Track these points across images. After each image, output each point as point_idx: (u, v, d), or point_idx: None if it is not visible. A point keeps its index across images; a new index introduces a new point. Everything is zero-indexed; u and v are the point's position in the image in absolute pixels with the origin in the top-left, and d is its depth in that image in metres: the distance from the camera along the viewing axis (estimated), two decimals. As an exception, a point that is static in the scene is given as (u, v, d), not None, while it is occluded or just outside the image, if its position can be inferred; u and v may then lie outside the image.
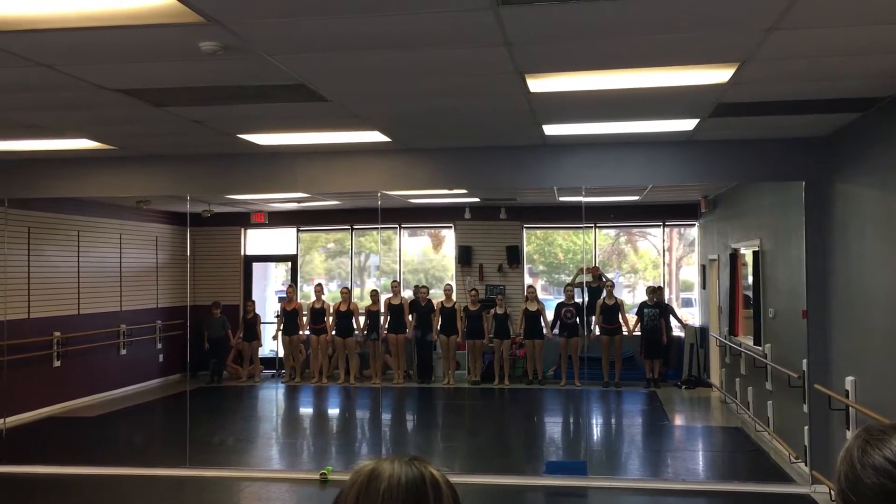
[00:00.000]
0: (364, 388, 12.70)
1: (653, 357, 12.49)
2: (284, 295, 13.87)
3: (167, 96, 5.36)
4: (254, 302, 13.80)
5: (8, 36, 3.97)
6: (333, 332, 12.87)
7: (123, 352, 12.36)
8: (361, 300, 14.07)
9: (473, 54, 4.38)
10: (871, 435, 1.06)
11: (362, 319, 13.03)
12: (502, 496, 7.15)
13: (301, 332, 13.15)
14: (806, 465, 7.17)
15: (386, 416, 11.14)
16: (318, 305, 13.06)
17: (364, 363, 13.13)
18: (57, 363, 10.87)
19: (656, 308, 12.55)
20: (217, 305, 13.35)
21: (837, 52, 4.43)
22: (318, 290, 13.32)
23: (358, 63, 4.56)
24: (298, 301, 13.50)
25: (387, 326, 12.74)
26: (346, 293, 13.07)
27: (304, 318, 13.21)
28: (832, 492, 6.62)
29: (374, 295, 13.08)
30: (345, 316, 12.87)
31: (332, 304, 13.15)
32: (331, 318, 12.97)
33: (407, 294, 13.56)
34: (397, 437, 10.02)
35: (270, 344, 13.83)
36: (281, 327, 13.24)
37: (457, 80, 5.00)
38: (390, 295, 12.97)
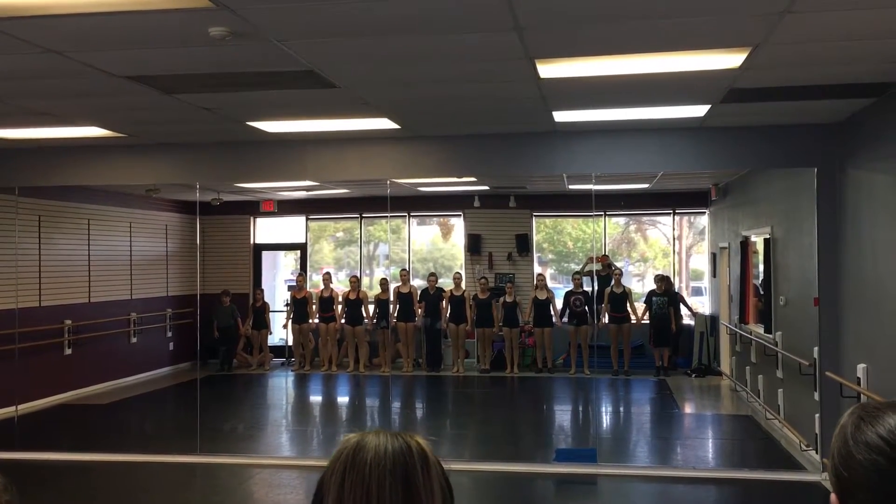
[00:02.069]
0: (374, 377, 12.72)
1: (662, 345, 12.46)
2: (294, 283, 13.87)
3: (176, 83, 5.36)
4: (262, 290, 13.83)
5: (17, 22, 3.96)
6: (343, 321, 12.89)
7: (134, 340, 12.41)
8: (371, 289, 14.07)
9: (483, 39, 4.36)
10: (865, 412, 1.08)
11: (371, 308, 13.04)
12: (512, 483, 7.16)
13: (311, 321, 13.17)
14: (817, 452, 7.15)
15: (396, 404, 11.17)
16: (326, 294, 13.08)
17: (374, 351, 13.17)
18: (68, 351, 10.93)
19: (665, 296, 12.50)
20: (226, 294, 13.39)
21: (850, 36, 4.38)
22: (327, 278, 13.33)
23: (367, 49, 4.54)
24: (308, 289, 13.51)
25: (396, 315, 12.75)
26: (355, 281, 13.09)
27: (314, 307, 13.23)
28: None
29: (384, 283, 13.09)
30: (353, 304, 12.88)
31: (340, 292, 13.16)
32: (340, 307, 12.99)
33: (418, 283, 13.56)
34: (407, 425, 10.04)
35: (280, 332, 13.86)
36: (291, 315, 13.26)
37: (466, 65, 4.98)
38: (399, 283, 12.98)
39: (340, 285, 14.14)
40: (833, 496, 1.06)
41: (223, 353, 13.35)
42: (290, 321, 13.24)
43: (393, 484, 1.01)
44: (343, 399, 12.29)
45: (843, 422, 1.09)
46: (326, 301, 13.03)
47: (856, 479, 1.01)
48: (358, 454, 1.04)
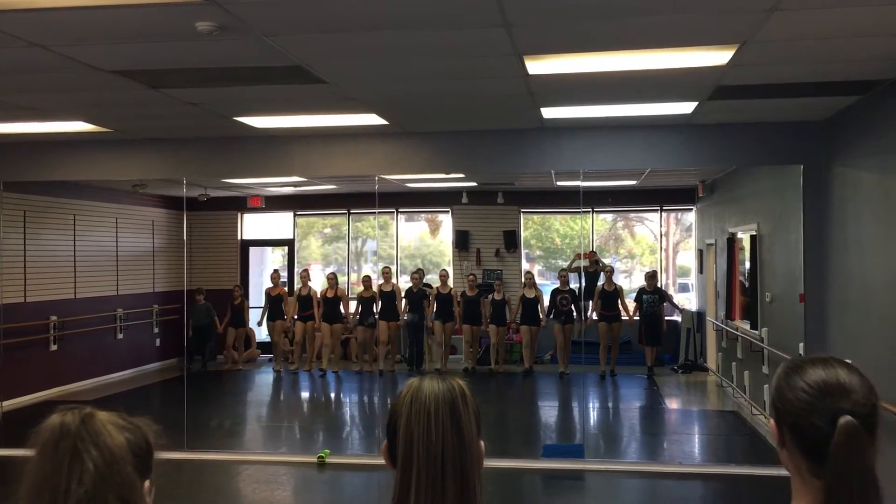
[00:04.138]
0: (356, 374, 12.63)
1: (652, 344, 12.22)
2: (283, 280, 13.74)
3: (163, 78, 5.33)
4: (240, 287, 13.52)
5: (2, 15, 3.93)
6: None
7: (120, 336, 12.35)
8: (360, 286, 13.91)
9: (472, 35, 4.36)
10: (794, 365, 1.52)
11: (352, 304, 12.85)
12: (500, 479, 7.17)
13: (286, 318, 12.96)
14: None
15: (377, 401, 11.14)
16: (304, 292, 12.80)
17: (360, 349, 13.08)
18: (54, 347, 10.86)
19: (655, 294, 12.31)
20: (200, 292, 13.11)
21: (837, 34, 4.41)
22: (305, 276, 13.01)
23: (355, 44, 4.53)
24: (282, 287, 13.24)
25: (378, 313, 12.59)
26: (333, 279, 12.78)
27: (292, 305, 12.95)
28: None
29: (367, 281, 12.87)
30: (331, 302, 12.61)
31: (319, 290, 12.95)
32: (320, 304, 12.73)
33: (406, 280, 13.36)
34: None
35: (259, 329, 13.68)
36: (265, 313, 13.02)
37: (454, 61, 4.97)
38: (382, 281, 12.81)
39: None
40: (772, 421, 1.53)
41: (201, 352, 13.13)
42: (266, 319, 13.05)
43: (444, 409, 1.47)
44: (322, 396, 12.23)
45: (778, 373, 1.53)
46: (304, 299, 12.78)
47: (787, 410, 1.47)
48: (419, 391, 1.50)
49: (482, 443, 1.52)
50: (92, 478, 1.32)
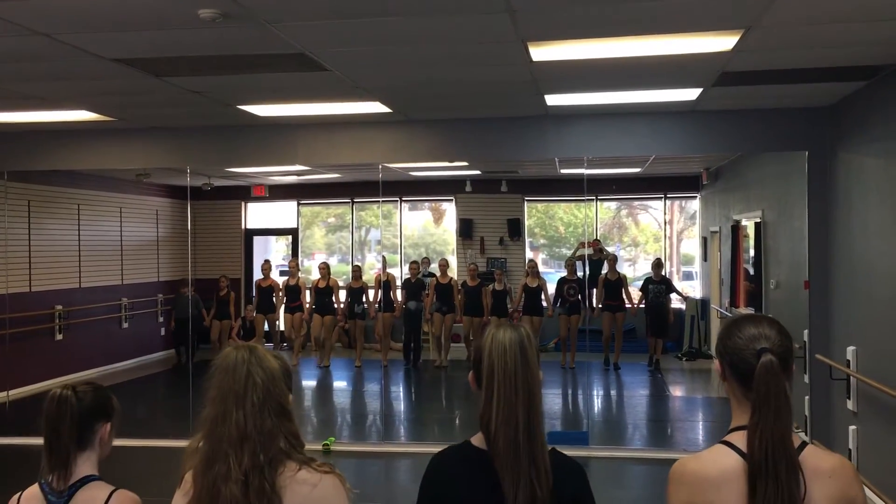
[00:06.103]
0: (350, 365, 12.55)
1: (658, 335, 11.90)
2: (287, 269, 13.60)
3: (166, 66, 5.32)
4: (226, 278, 13.15)
5: (4, 4, 3.92)
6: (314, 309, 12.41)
7: (125, 325, 12.38)
8: (365, 275, 13.80)
9: (475, 21, 4.34)
10: (734, 322, 2.03)
11: (342, 295, 12.61)
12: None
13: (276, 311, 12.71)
14: (806, 434, 7.20)
15: (374, 389, 11.11)
16: (292, 283, 12.56)
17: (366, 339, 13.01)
18: (59, 336, 10.90)
19: (662, 284, 11.96)
20: (185, 284, 12.50)
21: (842, 19, 4.38)
22: (293, 266, 12.81)
23: (357, 31, 4.52)
24: (272, 279, 12.84)
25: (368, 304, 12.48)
26: (325, 269, 12.50)
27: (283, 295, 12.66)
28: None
29: (357, 271, 12.69)
30: (324, 293, 12.36)
31: (310, 281, 12.72)
32: (308, 294, 12.52)
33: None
34: (389, 411, 10.04)
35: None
36: (256, 305, 12.71)
37: (458, 48, 4.95)
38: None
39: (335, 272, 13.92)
40: (717, 361, 2.07)
41: (187, 344, 12.85)
42: (256, 311, 12.74)
43: (515, 346, 2.05)
44: (320, 387, 12.26)
45: (722, 327, 2.07)
46: (293, 290, 12.52)
47: (727, 352, 2.00)
48: (496, 335, 2.07)
49: (541, 372, 2.09)
50: (261, 389, 1.93)
